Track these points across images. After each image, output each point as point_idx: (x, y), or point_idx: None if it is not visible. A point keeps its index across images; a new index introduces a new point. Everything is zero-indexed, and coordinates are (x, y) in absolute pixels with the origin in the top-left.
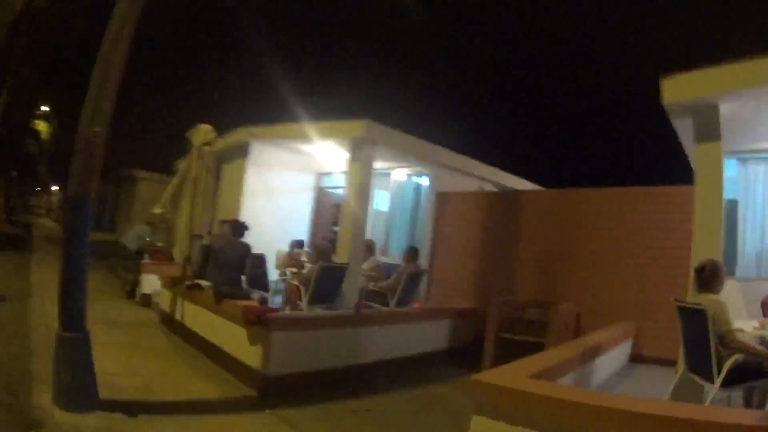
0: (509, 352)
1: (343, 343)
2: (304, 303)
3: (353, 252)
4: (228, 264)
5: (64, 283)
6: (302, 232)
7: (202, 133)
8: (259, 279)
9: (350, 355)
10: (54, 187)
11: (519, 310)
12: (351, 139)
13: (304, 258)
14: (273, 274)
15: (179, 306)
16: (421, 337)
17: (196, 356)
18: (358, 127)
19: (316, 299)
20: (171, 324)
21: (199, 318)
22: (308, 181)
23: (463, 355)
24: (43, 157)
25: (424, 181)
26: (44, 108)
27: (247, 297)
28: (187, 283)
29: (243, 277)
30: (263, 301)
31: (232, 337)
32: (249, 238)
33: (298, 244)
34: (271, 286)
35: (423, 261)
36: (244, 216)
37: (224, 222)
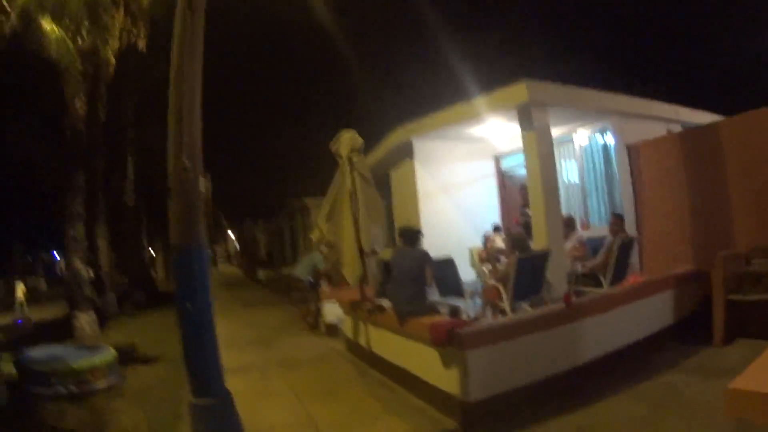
0: (743, 316)
1: (555, 346)
2: (505, 303)
3: (551, 233)
4: (405, 277)
5: (185, 345)
6: (494, 222)
7: (347, 140)
8: (451, 285)
9: (566, 358)
10: (230, 233)
11: (744, 263)
12: (516, 107)
13: (500, 244)
14: (470, 274)
15: (363, 331)
16: (643, 318)
17: (386, 385)
18: (519, 91)
19: (518, 295)
20: (358, 351)
21: (385, 342)
22: (486, 168)
23: (692, 327)
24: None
25: (609, 139)
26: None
27: (434, 311)
28: (368, 307)
29: (433, 287)
30: (454, 312)
31: (423, 361)
32: (435, 241)
33: (495, 228)
34: (470, 288)
35: (629, 228)
36: (424, 219)
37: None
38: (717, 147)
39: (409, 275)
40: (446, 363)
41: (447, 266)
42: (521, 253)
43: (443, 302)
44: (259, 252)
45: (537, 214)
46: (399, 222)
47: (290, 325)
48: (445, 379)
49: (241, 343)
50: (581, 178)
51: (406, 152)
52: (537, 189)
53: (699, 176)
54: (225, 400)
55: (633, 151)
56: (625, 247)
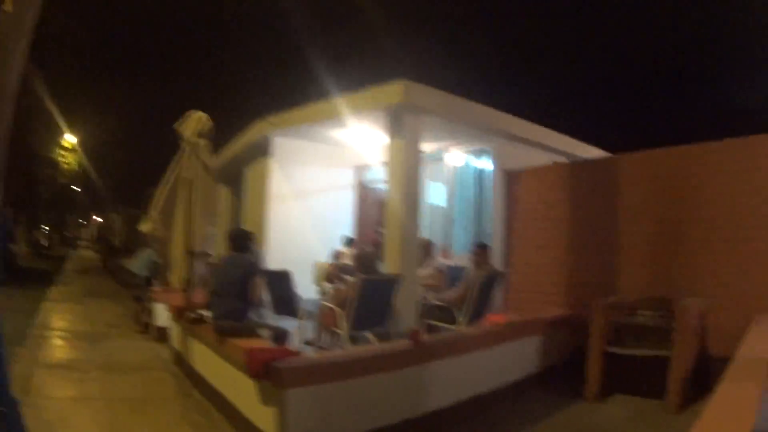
0: (621, 370)
1: (398, 389)
2: (343, 330)
3: (405, 257)
4: (225, 288)
5: None
6: (342, 236)
7: (194, 121)
8: (285, 303)
9: (411, 404)
10: (96, 218)
11: (628, 313)
12: (387, 110)
13: (350, 261)
14: (311, 291)
15: (187, 344)
16: (505, 363)
17: (204, 410)
18: (395, 91)
19: (358, 324)
20: (182, 365)
21: (206, 360)
22: (346, 177)
23: (560, 376)
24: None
25: (486, 164)
26: (70, 138)
27: (252, 332)
28: (191, 315)
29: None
30: (280, 337)
31: (240, 390)
32: (280, 250)
33: (348, 242)
34: (309, 309)
35: (497, 261)
36: (272, 225)
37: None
38: (610, 184)
39: (230, 286)
40: (264, 399)
41: (282, 280)
42: (367, 275)
43: (269, 324)
44: (113, 239)
45: (392, 233)
46: (248, 225)
47: (125, 323)
48: (262, 418)
49: (71, 337)
50: (449, 201)
51: (263, 149)
52: (396, 205)
53: (585, 213)
54: (10, 410)
55: (513, 178)
56: (489, 281)
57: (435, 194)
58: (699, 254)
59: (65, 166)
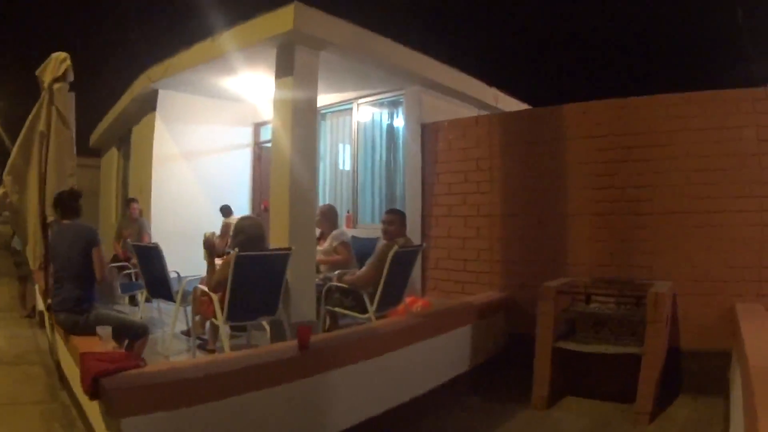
0: (574, 367)
1: (282, 410)
2: (219, 323)
3: (296, 227)
4: (61, 268)
5: None
6: (241, 205)
7: (54, 63)
8: (159, 284)
9: (303, 427)
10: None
11: (583, 299)
12: (274, 42)
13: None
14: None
15: (54, 334)
16: (429, 363)
17: (68, 419)
18: (283, 17)
19: (238, 312)
20: (54, 358)
21: (65, 358)
22: (244, 137)
23: (497, 374)
24: None
25: (398, 121)
26: None
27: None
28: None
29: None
30: (135, 333)
31: (88, 404)
32: (165, 220)
33: (225, 211)
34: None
35: (412, 234)
36: (156, 191)
37: (129, 202)
38: (553, 140)
39: (64, 267)
40: (106, 425)
41: (152, 257)
42: (243, 250)
43: (121, 316)
44: None
45: (279, 197)
46: (134, 191)
47: (13, 306)
48: None
49: None
50: (354, 161)
51: (149, 104)
52: (283, 162)
53: (523, 175)
54: None
55: (430, 133)
56: (405, 257)
57: (338, 153)
58: (662, 227)
59: None
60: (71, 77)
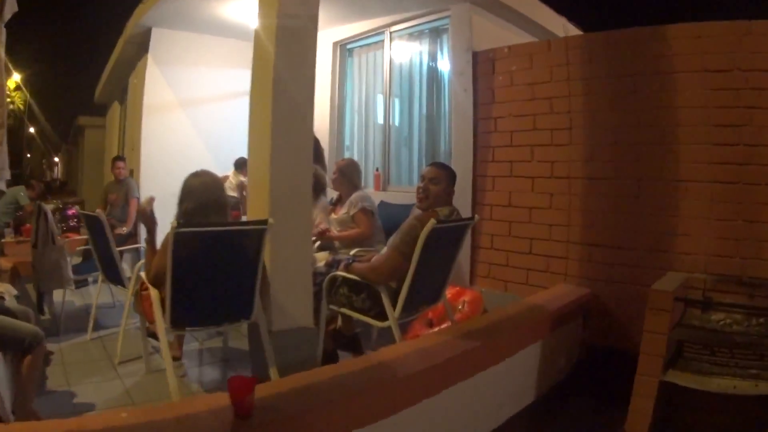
0: (674, 401)
1: None
2: (160, 332)
3: (284, 193)
4: None
5: None
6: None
7: None
8: (109, 265)
9: None
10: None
11: (697, 306)
12: None
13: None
14: None
15: None
16: (474, 408)
17: None
18: None
19: (180, 318)
20: None
21: None
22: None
23: (571, 406)
24: None
25: (442, 57)
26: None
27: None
28: None
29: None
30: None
31: None
32: (158, 178)
33: (241, 165)
34: None
35: (458, 199)
36: (146, 145)
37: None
38: (662, 73)
39: None
40: None
41: (97, 230)
42: (189, 223)
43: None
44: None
45: (256, 146)
46: (128, 147)
47: None
48: None
49: None
50: (387, 105)
51: (143, 46)
52: (264, 102)
53: (616, 120)
54: None
55: (484, 64)
56: (449, 235)
57: (368, 101)
58: None
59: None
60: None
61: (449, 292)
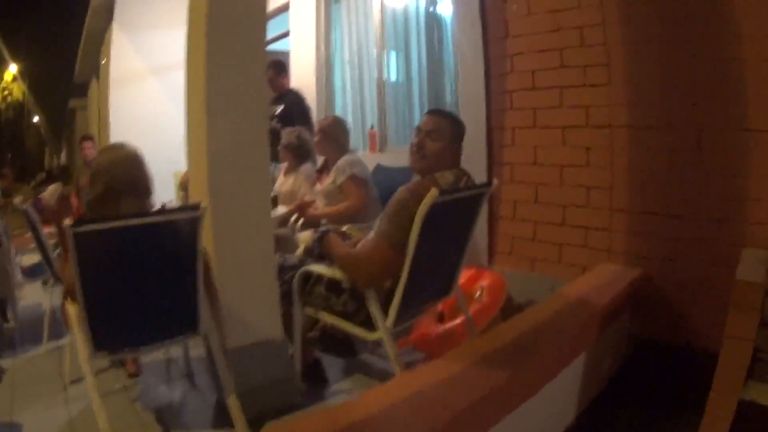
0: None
1: None
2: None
3: (230, 162)
4: None
5: None
6: None
7: None
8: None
9: None
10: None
11: None
12: None
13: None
14: None
15: None
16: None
17: None
18: None
19: (101, 337)
20: None
21: None
22: None
23: (618, 422)
24: None
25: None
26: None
27: None
28: None
29: None
30: None
31: None
32: None
33: None
34: None
35: (469, 158)
36: (115, 121)
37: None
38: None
39: None
40: None
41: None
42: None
43: None
44: None
45: (192, 104)
46: (96, 122)
47: None
48: None
49: None
50: (379, 50)
51: (109, 13)
52: (197, 34)
53: (668, 53)
54: None
55: None
56: (458, 209)
57: (360, 50)
58: None
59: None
60: None
61: (462, 276)
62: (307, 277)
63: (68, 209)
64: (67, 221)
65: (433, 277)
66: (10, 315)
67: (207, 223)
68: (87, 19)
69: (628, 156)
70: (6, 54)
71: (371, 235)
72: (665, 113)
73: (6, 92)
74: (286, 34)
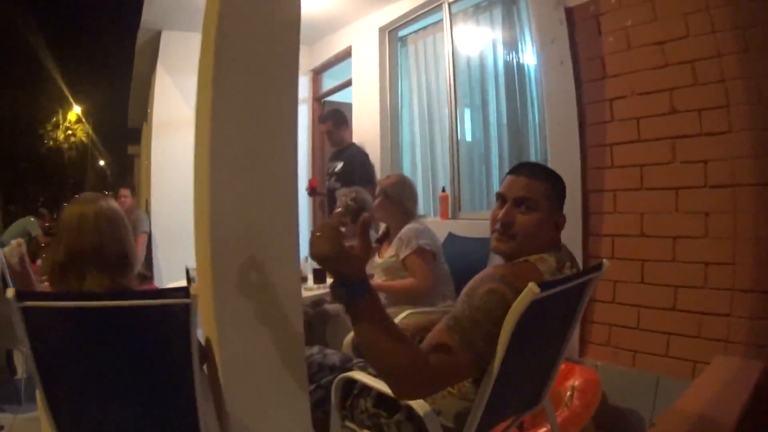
0: None
1: None
2: None
3: (238, 231)
4: None
5: None
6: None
7: None
8: None
9: None
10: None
11: None
12: None
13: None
14: None
15: None
16: None
17: None
18: None
19: None
20: None
21: None
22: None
23: None
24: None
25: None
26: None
27: None
28: None
29: None
30: None
31: None
32: (171, 211)
33: None
34: None
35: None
36: (159, 169)
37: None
38: None
39: None
40: None
41: None
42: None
43: None
44: None
45: (198, 161)
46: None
47: None
48: None
49: None
50: (451, 104)
51: (154, 54)
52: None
53: None
54: None
55: (586, 23)
56: (561, 303)
57: (430, 102)
58: None
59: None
60: None
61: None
62: (348, 384)
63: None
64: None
65: (521, 388)
66: (20, 367)
67: (208, 309)
68: (134, 60)
69: (756, 222)
70: (69, 95)
71: (440, 331)
72: None
73: (69, 132)
74: (348, 84)
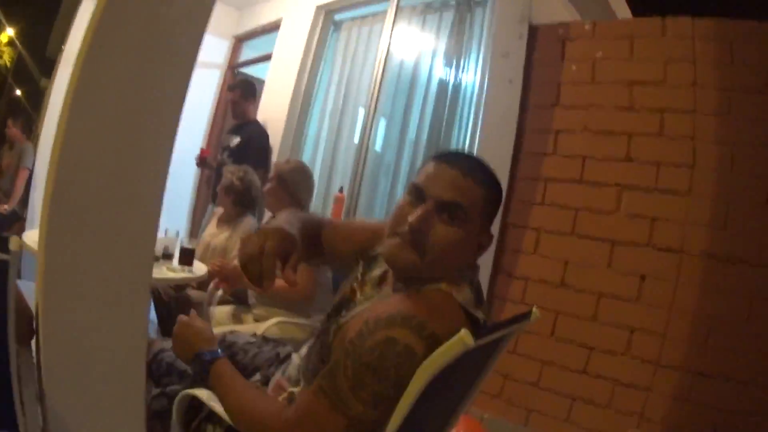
0: None
1: None
2: None
3: (85, 192)
4: None
5: None
6: (188, 147)
7: None
8: None
9: None
10: None
11: None
12: None
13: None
14: None
15: None
16: None
17: None
18: None
19: None
20: None
21: None
22: (211, 52)
23: None
24: None
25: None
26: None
27: None
28: None
29: None
30: None
31: None
32: (45, 159)
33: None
34: None
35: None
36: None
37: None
38: None
39: None
40: None
41: None
42: None
43: None
44: None
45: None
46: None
47: None
48: None
49: None
50: (369, 110)
51: None
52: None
53: None
54: None
55: (550, 43)
56: (482, 349)
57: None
58: None
59: None
60: None
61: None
62: (190, 404)
63: None
64: None
65: None
66: None
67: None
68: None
69: (699, 294)
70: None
71: (314, 386)
72: (758, 244)
73: None
74: (267, 58)
